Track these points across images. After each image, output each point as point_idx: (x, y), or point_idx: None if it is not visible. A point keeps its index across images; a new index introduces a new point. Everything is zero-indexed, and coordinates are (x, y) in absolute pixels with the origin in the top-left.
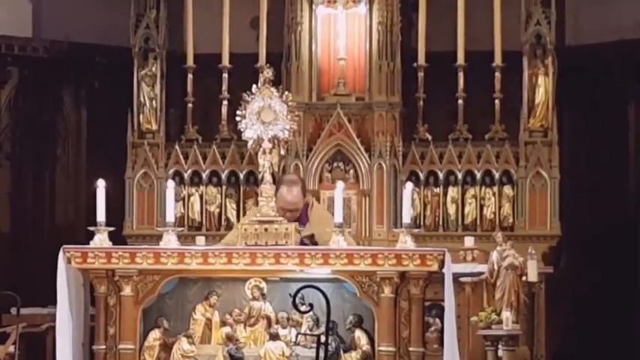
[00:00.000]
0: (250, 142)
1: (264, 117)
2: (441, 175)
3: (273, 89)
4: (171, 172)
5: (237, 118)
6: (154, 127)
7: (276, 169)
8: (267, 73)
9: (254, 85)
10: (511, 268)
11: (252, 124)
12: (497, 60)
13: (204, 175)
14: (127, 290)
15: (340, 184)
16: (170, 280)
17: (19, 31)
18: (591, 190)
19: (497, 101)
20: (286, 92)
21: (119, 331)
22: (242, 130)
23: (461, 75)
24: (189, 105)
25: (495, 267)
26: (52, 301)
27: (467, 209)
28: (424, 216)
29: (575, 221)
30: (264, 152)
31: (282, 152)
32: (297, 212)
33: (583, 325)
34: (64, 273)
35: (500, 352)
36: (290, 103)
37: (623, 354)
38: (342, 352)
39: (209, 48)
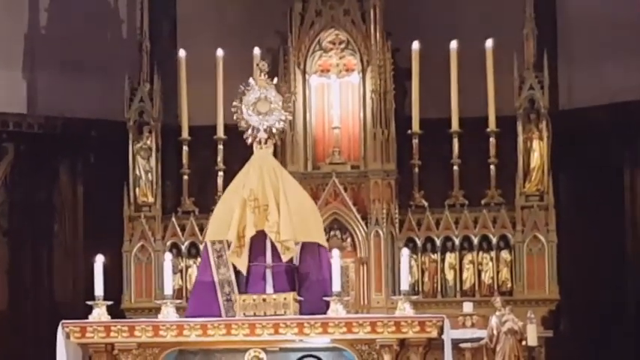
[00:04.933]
0: (247, 133)
1: (260, 108)
2: (438, 242)
3: (268, 80)
4: (168, 244)
5: (233, 109)
6: (151, 199)
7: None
8: (263, 65)
9: (250, 78)
10: (511, 333)
11: (248, 115)
12: (492, 125)
13: (201, 247)
14: None
15: (337, 253)
16: (170, 353)
17: (15, 108)
18: (589, 253)
19: (492, 166)
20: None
21: None
22: (238, 120)
23: (455, 141)
24: (185, 177)
25: (495, 332)
26: None
27: (465, 275)
28: (422, 282)
29: (574, 284)
30: (259, 142)
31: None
32: None
33: None
34: (64, 348)
35: None
36: (285, 95)
37: None
38: None
39: (204, 120)
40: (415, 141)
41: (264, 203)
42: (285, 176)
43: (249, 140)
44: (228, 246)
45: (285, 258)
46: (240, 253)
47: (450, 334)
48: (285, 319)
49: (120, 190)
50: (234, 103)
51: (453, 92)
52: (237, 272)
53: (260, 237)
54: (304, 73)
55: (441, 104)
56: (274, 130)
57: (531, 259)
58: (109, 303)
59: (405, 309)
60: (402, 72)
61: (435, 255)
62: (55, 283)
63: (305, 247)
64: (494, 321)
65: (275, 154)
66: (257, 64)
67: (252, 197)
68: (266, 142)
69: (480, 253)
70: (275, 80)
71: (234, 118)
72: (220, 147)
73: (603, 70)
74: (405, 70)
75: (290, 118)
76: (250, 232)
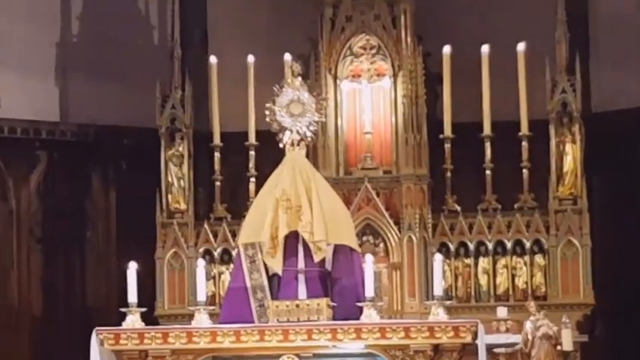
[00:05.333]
0: (280, 135)
1: (293, 109)
2: (471, 246)
3: (301, 82)
4: (201, 250)
5: (266, 111)
6: (183, 206)
7: None
8: (296, 67)
9: (283, 79)
10: (545, 338)
11: (281, 117)
12: (524, 129)
13: (234, 253)
14: None
15: (370, 258)
16: (203, 359)
17: (47, 116)
18: (623, 256)
19: (525, 170)
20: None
21: None
22: (270, 122)
23: (488, 145)
24: (217, 183)
25: (530, 337)
26: None
27: (498, 279)
28: (456, 287)
29: (609, 288)
30: (292, 144)
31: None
32: None
33: None
34: (98, 355)
35: None
36: (318, 97)
37: None
38: None
39: (235, 126)
40: (447, 145)
41: (296, 204)
42: (318, 178)
43: (282, 142)
44: (261, 250)
45: (317, 258)
46: (274, 253)
47: (484, 340)
48: (318, 325)
49: (152, 197)
50: (267, 105)
51: (484, 96)
52: (269, 277)
53: (292, 238)
54: (335, 78)
55: (473, 108)
56: (307, 132)
57: (565, 263)
58: (143, 310)
59: (438, 314)
60: (433, 76)
61: (469, 260)
62: (88, 289)
63: (337, 251)
64: (528, 326)
65: (307, 157)
66: (290, 66)
67: (284, 197)
68: (299, 144)
69: (514, 257)
70: (308, 82)
71: (267, 119)
72: (252, 153)
73: (636, 73)
74: (436, 75)
75: (323, 119)
76: (283, 232)
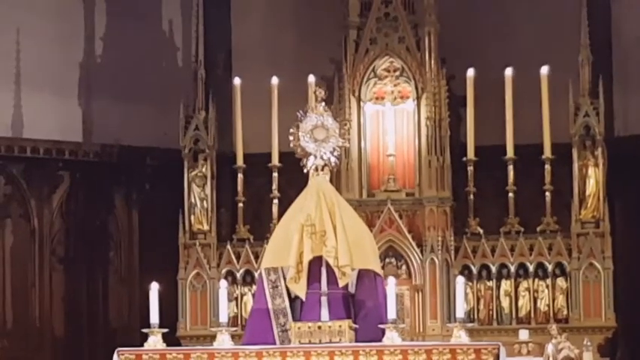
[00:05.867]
0: (304, 160)
1: (317, 135)
2: (493, 269)
3: (325, 107)
4: (223, 271)
5: (290, 136)
6: (206, 227)
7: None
8: (320, 92)
9: (307, 104)
10: None
11: (305, 142)
12: (547, 152)
13: (256, 274)
14: None
15: (392, 280)
16: None
17: (70, 136)
18: None
19: (547, 193)
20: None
21: None
22: (294, 148)
23: (511, 168)
24: (240, 204)
25: (551, 359)
26: None
27: (520, 302)
28: (478, 310)
29: (631, 312)
30: (316, 169)
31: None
32: None
33: None
34: None
35: None
36: (342, 122)
37: None
38: None
39: (258, 148)
40: (470, 168)
41: (320, 229)
42: (342, 203)
43: (306, 167)
44: (284, 275)
45: (341, 283)
46: (298, 279)
47: None
48: (340, 347)
49: (175, 217)
50: (291, 130)
51: (507, 119)
52: (292, 300)
53: (316, 263)
54: (359, 100)
55: (496, 131)
56: (331, 157)
57: (587, 286)
58: (165, 330)
59: (460, 336)
60: (456, 99)
61: (491, 282)
62: (111, 310)
63: (361, 274)
64: (550, 349)
65: (330, 182)
66: (314, 91)
67: (309, 223)
68: (322, 169)
69: (536, 280)
70: (332, 107)
71: (291, 145)
72: (275, 174)
73: None
74: (459, 97)
75: (347, 145)
76: (308, 258)
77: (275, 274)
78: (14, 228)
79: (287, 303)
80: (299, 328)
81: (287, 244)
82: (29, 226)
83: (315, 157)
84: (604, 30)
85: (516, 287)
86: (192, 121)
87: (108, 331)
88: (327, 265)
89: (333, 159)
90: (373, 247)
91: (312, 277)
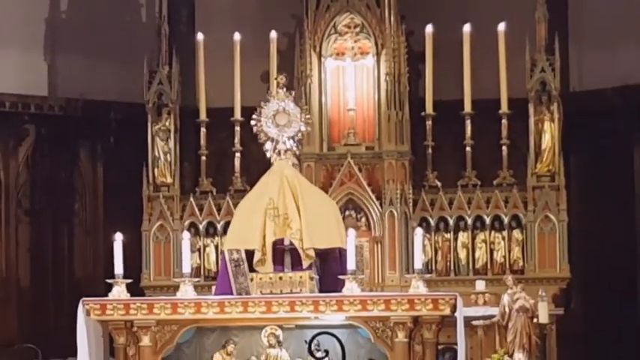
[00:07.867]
0: (266, 145)
1: (279, 120)
2: (451, 221)
3: (286, 93)
4: (186, 223)
5: (252, 122)
6: (169, 180)
7: None
8: (281, 78)
9: (268, 91)
10: (522, 311)
11: (267, 127)
12: (504, 107)
13: (219, 226)
14: (146, 340)
15: (352, 232)
16: (188, 330)
17: (35, 90)
18: (599, 232)
19: (504, 147)
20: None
21: None
22: (257, 133)
23: (468, 123)
24: (203, 158)
25: (507, 310)
26: (73, 352)
27: (477, 254)
28: (435, 261)
29: (585, 263)
30: (279, 154)
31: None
32: None
33: None
34: (84, 325)
35: None
36: (303, 107)
37: None
38: None
39: (221, 102)
40: (429, 123)
41: (283, 212)
42: (305, 185)
43: (269, 152)
44: (246, 256)
45: (305, 264)
46: (264, 261)
47: (462, 312)
48: (300, 297)
49: (139, 170)
50: (254, 116)
51: (465, 75)
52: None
53: (279, 245)
54: (320, 56)
55: (454, 86)
56: (293, 142)
57: (543, 238)
58: (129, 281)
59: (418, 287)
60: (415, 55)
61: (448, 234)
62: (76, 261)
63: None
64: (506, 299)
65: (294, 167)
66: (275, 78)
67: (271, 206)
68: (285, 153)
69: (492, 232)
70: (293, 93)
71: (254, 130)
72: (237, 128)
73: (614, 52)
74: (418, 53)
75: (309, 129)
76: (270, 240)
77: (238, 253)
78: None
79: (249, 282)
80: (260, 278)
81: (248, 226)
82: None
83: (278, 141)
84: None
85: (473, 239)
86: (155, 75)
87: (73, 282)
88: (291, 248)
89: (295, 143)
90: (340, 224)
91: (277, 259)
